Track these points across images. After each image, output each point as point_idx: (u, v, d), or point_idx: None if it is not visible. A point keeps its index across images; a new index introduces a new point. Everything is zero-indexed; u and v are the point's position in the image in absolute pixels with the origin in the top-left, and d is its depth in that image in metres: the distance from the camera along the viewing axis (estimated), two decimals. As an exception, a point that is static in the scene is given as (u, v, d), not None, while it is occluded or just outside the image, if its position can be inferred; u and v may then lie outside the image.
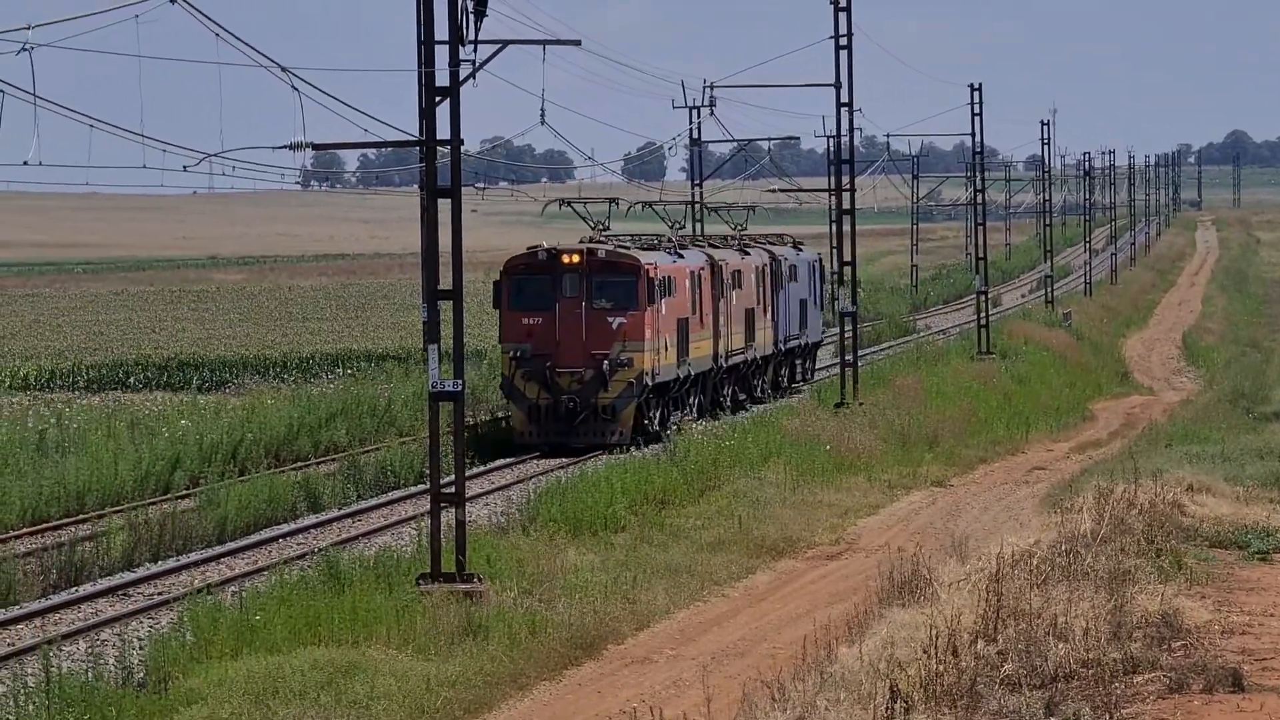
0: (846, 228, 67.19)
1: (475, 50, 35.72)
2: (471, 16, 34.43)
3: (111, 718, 25.37)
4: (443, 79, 34.91)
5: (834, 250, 73.39)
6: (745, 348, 60.61)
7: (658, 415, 50.64)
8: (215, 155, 37.01)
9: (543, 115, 59.20)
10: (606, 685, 28.50)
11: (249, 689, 26.22)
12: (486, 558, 35.18)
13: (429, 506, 34.07)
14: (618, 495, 41.93)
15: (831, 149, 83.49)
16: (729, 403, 59.66)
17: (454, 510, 34.09)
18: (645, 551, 38.13)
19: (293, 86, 36.21)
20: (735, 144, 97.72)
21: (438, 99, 35.08)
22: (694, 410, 55.44)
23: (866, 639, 24.28)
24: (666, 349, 49.17)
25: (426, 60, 36.58)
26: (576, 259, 47.16)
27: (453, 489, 34.28)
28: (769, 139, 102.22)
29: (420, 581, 32.94)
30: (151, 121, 38.79)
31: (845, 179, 69.41)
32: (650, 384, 47.46)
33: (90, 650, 28.80)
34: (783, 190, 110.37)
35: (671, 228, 64.82)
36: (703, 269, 55.01)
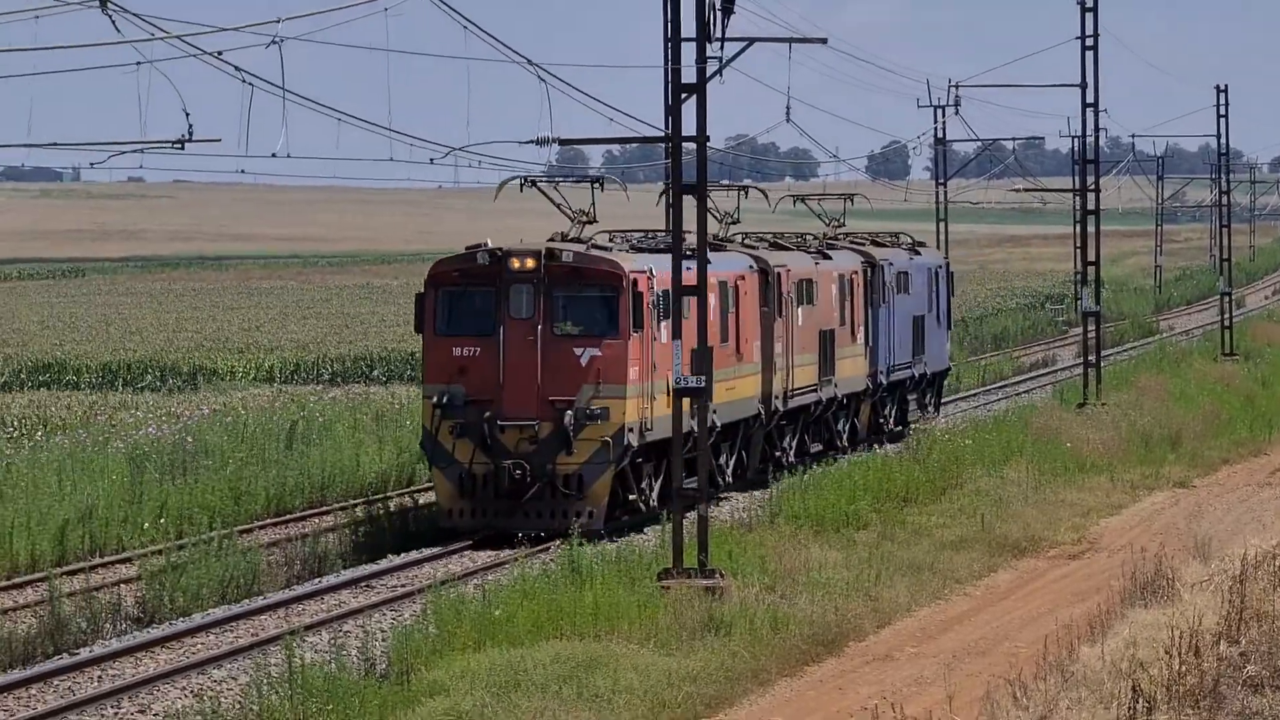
0: (1091, 228, 64.84)
1: (722, 48, 33.57)
2: (719, 14, 32.84)
3: (354, 708, 25.46)
4: (689, 76, 33.26)
5: (1078, 250, 72.19)
6: (818, 384, 44.91)
7: (655, 486, 35.91)
8: (461, 149, 36.29)
9: (788, 113, 54.47)
10: (847, 682, 27.97)
11: (491, 681, 26.14)
12: (729, 553, 35.00)
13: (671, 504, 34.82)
14: (860, 492, 41.81)
15: (1076, 149, 79.90)
16: (792, 456, 44.58)
17: (697, 508, 33.59)
18: (887, 549, 37.77)
19: (540, 79, 36.79)
20: (979, 143, 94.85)
21: (684, 96, 33.56)
22: (727, 474, 40.30)
23: (1108, 639, 24.04)
24: (669, 393, 31.54)
25: (673, 57, 35.80)
26: (531, 264, 32.62)
27: (695, 486, 34.06)
28: (1013, 139, 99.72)
29: (662, 577, 32.81)
30: (398, 115, 39.36)
31: (1090, 179, 65.65)
32: (635, 444, 33.02)
33: (333, 641, 29.14)
34: (1027, 190, 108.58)
35: (829, 224, 54.42)
36: (742, 277, 39.37)
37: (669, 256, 31.91)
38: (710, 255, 33.98)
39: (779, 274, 41.48)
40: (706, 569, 33.16)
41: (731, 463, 39.59)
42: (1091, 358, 62.03)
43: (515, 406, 31.54)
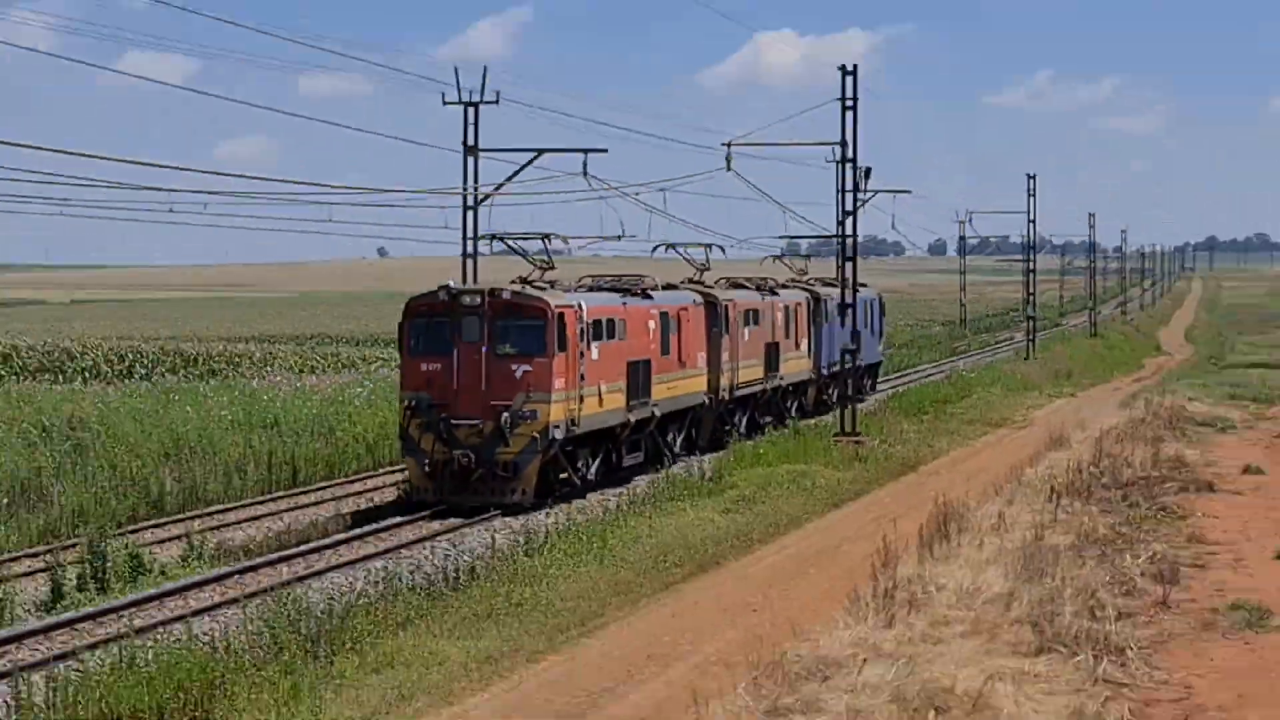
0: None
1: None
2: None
3: (702, 492, 36.84)
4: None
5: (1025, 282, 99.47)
6: (764, 378, 50.92)
7: (593, 464, 39.15)
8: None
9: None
10: (920, 483, 40.65)
11: (758, 481, 38.72)
12: (865, 426, 51.28)
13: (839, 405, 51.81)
14: (926, 397, 64.13)
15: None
16: (744, 429, 49.33)
17: (853, 405, 49.75)
18: (937, 422, 56.81)
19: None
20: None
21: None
22: (679, 446, 44.58)
23: (1038, 465, 36.36)
24: (601, 395, 37.53)
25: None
26: (478, 301, 35.48)
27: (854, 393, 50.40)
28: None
29: (835, 437, 47.86)
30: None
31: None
32: (561, 437, 35.80)
33: (685, 468, 40.57)
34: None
35: None
36: (684, 308, 43.53)
37: (603, 294, 40.39)
38: (660, 293, 43.35)
39: (725, 305, 46.52)
40: (855, 432, 48.81)
41: (680, 439, 44.06)
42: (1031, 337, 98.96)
43: (466, 409, 34.81)
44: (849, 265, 51.75)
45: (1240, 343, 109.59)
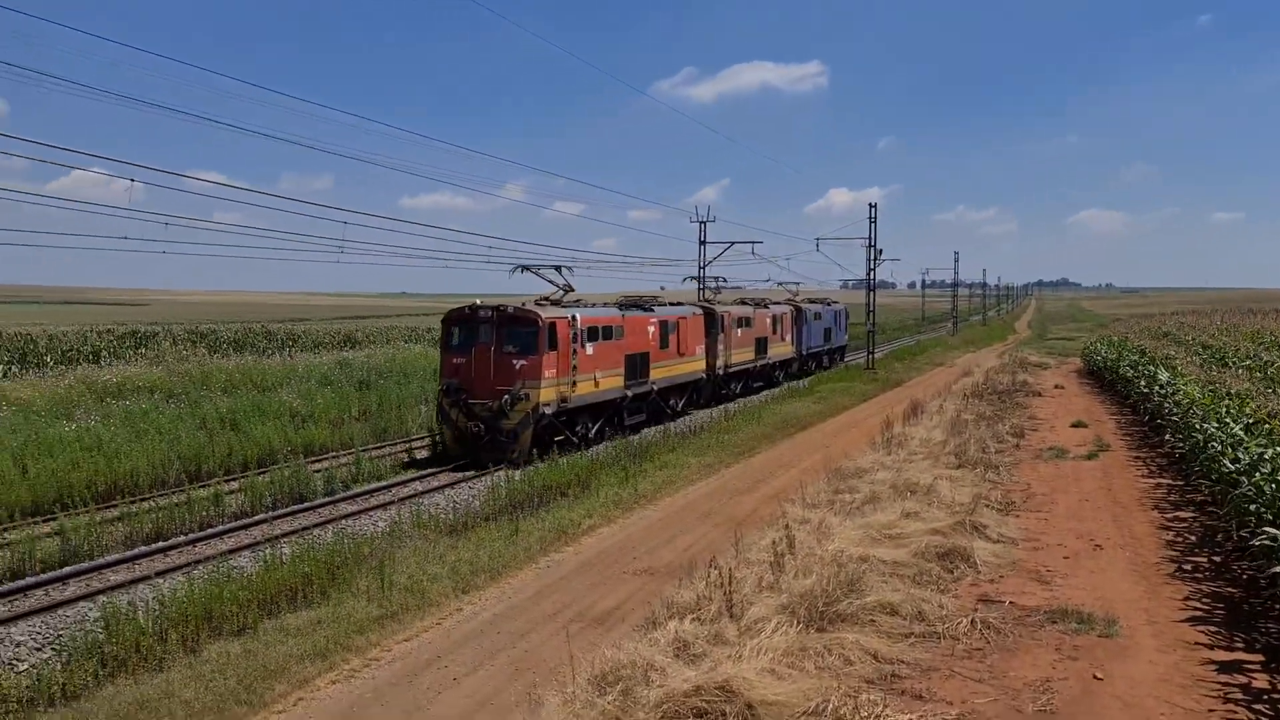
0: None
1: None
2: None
3: (801, 395, 33.83)
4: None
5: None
6: (754, 360, 38.17)
7: (594, 426, 26.32)
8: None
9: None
10: (904, 391, 35.81)
11: (827, 391, 35.67)
12: (878, 364, 46.99)
13: (865, 358, 46.47)
14: (906, 351, 58.31)
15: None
16: (739, 391, 37.22)
17: (871, 356, 45.92)
18: (911, 363, 50.14)
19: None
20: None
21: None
22: (680, 406, 31.84)
23: (958, 384, 35.19)
24: (597, 380, 25.85)
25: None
26: (492, 314, 24.75)
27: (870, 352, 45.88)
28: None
29: (864, 370, 44.69)
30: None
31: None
32: (549, 413, 24.19)
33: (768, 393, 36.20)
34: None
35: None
36: (683, 318, 31.44)
37: (605, 308, 27.36)
38: (663, 307, 30.80)
39: (722, 315, 35.17)
40: (873, 368, 45.45)
41: (682, 402, 31.80)
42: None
43: (480, 391, 23.74)
44: (872, 295, 49.20)
45: (1053, 328, 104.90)
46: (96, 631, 11.29)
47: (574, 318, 24.90)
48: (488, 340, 23.90)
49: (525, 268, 26.21)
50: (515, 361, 23.33)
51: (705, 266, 44.90)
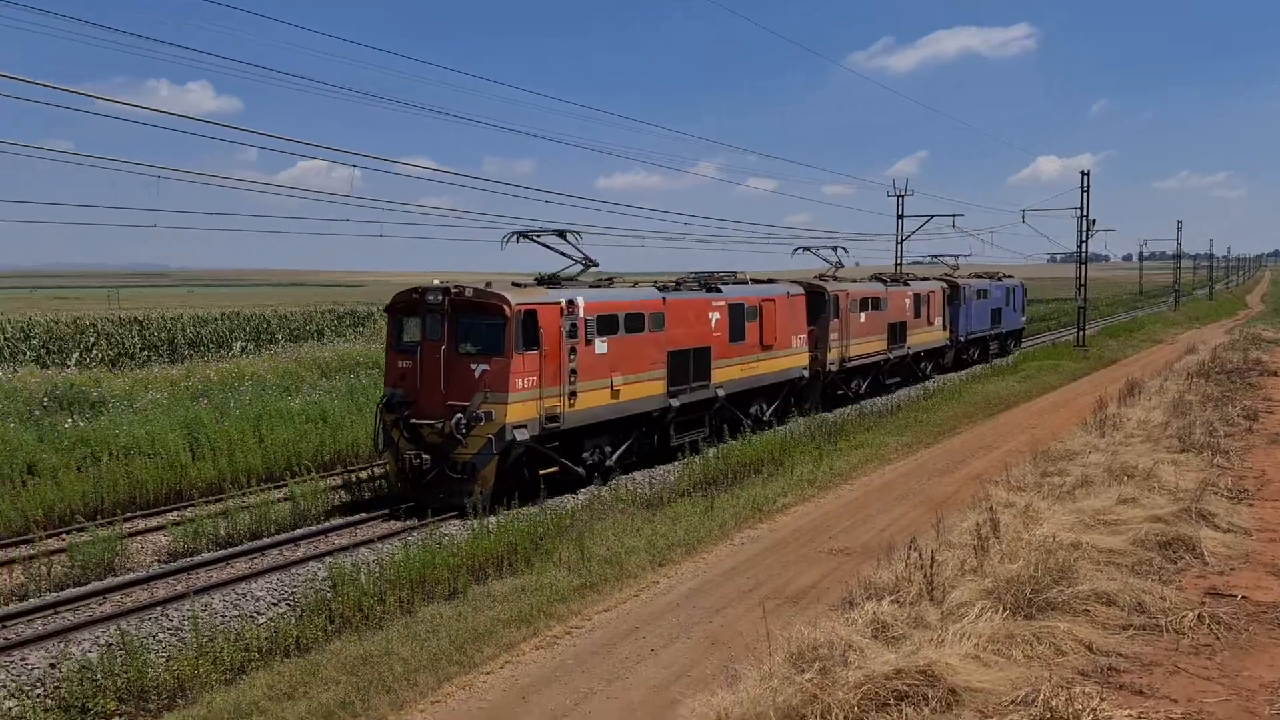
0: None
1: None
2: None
3: (1006, 373, 33.25)
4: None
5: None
6: (889, 349, 30.93)
7: (617, 452, 18.72)
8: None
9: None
10: (1118, 370, 34.33)
11: (1033, 369, 34.41)
12: (1089, 341, 44.47)
13: (1075, 335, 44.04)
14: (1121, 328, 55.24)
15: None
16: (864, 390, 29.86)
17: (1081, 333, 43.94)
18: (1126, 340, 48.14)
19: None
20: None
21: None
22: (768, 415, 24.18)
23: (1181, 361, 33.14)
24: (614, 387, 18.06)
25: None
26: (443, 299, 16.18)
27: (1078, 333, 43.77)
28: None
29: (1074, 347, 42.81)
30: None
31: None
32: (524, 438, 15.92)
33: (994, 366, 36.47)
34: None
35: None
36: (770, 300, 23.61)
37: (625, 289, 19.68)
38: (734, 287, 22.90)
39: (836, 295, 28.00)
40: (1083, 344, 43.36)
41: (772, 409, 24.23)
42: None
43: (427, 408, 16.15)
44: (1084, 269, 45.13)
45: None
46: (325, 590, 11.96)
47: (570, 303, 17.26)
48: (436, 336, 16.39)
49: (522, 234, 18.96)
50: (474, 366, 16.07)
51: (904, 241, 44.55)
